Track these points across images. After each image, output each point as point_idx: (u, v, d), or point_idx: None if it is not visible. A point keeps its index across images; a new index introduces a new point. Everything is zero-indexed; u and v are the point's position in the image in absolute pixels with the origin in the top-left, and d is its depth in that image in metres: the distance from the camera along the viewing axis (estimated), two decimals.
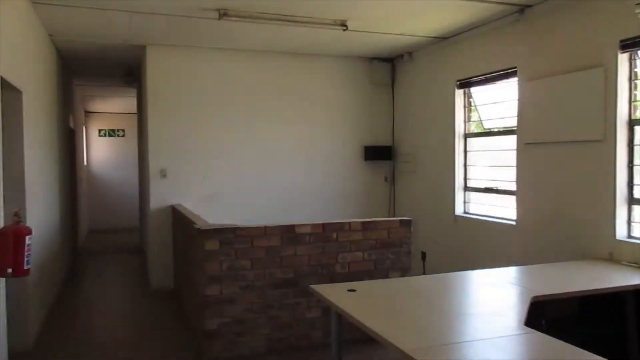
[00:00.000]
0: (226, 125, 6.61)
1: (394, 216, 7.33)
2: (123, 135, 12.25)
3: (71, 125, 8.51)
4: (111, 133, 12.21)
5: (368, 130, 7.28)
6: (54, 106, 6.26)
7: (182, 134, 6.44)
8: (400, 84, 7.24)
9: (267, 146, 6.79)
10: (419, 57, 6.78)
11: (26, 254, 3.27)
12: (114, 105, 11.66)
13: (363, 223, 4.48)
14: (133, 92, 9.27)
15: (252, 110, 6.72)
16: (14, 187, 4.22)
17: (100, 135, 12.14)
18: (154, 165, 6.36)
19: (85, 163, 11.52)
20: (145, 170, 7.06)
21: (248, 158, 6.70)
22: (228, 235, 4.05)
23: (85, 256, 8.87)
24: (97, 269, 7.89)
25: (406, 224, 4.62)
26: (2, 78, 3.59)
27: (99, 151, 12.15)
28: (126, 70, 7.88)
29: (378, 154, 7.21)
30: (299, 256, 4.27)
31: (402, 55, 7.01)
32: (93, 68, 7.87)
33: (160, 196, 6.38)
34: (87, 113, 11.96)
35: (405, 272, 4.59)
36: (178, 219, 5.75)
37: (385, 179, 7.38)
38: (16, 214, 3.34)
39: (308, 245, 4.30)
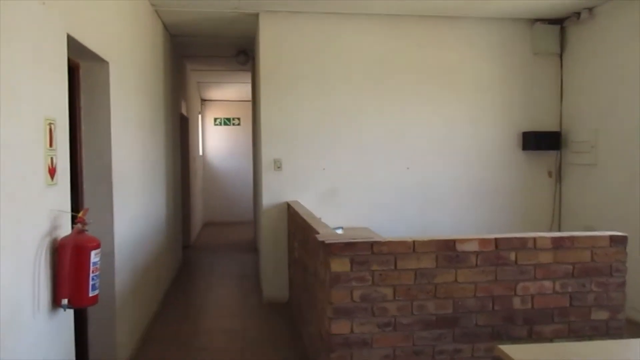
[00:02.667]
0: (350, 108, 5.48)
1: (559, 222, 5.75)
2: (239, 124, 11.71)
3: (183, 112, 7.93)
4: (226, 122, 11.71)
5: (527, 113, 5.75)
6: (159, 88, 5.54)
7: (300, 119, 5.42)
8: (573, 53, 5.60)
9: (398, 133, 5.56)
10: (604, 15, 5.12)
11: (91, 275, 2.36)
12: (229, 93, 11.10)
13: (554, 239, 3.09)
14: (248, 79, 8.50)
15: (381, 90, 5.52)
16: (99, 178, 3.42)
17: (215, 124, 11.69)
18: (267, 156, 5.42)
19: (200, 153, 11.11)
20: (258, 162, 6.18)
21: (375, 147, 5.52)
22: (363, 252, 2.90)
23: (197, 253, 8.30)
24: (208, 268, 7.21)
25: (619, 241, 3.15)
26: (70, 37, 2.73)
27: (215, 140, 11.71)
28: (239, 48, 7.07)
29: (541, 142, 5.66)
30: (460, 284, 3.00)
31: (577, 14, 5.38)
32: (204, 47, 7.15)
33: (274, 191, 5.43)
34: (203, 101, 11.55)
35: (616, 312, 3.14)
36: (294, 219, 4.74)
37: (549, 174, 5.81)
38: (79, 220, 2.45)
39: (474, 268, 3.02)
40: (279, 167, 5.41)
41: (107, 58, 3.40)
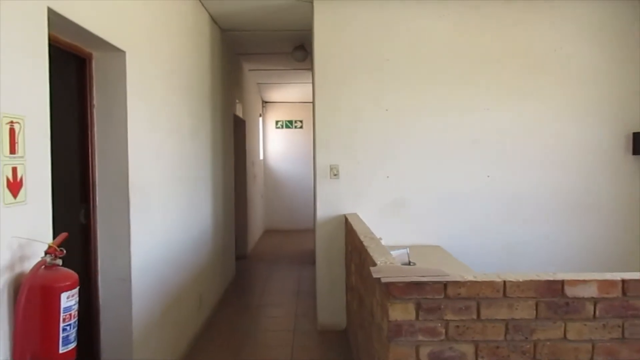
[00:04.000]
0: (419, 106, 4.70)
1: None
2: (301, 127, 11.14)
3: (239, 114, 7.42)
4: (288, 124, 11.17)
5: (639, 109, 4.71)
6: (205, 87, 5.01)
7: (360, 119, 4.70)
8: None
9: (476, 134, 4.70)
10: None
11: (62, 325, 1.77)
12: (291, 94, 10.56)
13: None
14: (310, 79, 7.88)
15: (456, 85, 4.69)
16: (114, 190, 2.87)
17: (277, 127, 11.18)
18: (322, 162, 4.74)
19: (261, 157, 10.64)
20: (313, 168, 5.52)
21: (449, 151, 4.70)
22: (433, 295, 2.14)
23: (253, 264, 7.76)
24: (261, 284, 6.63)
25: None
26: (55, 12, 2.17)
27: (276, 144, 11.20)
28: (296, 43, 6.46)
29: None
30: (572, 343, 2.17)
31: None
32: (258, 42, 6.58)
33: (330, 202, 4.73)
34: (265, 103, 11.09)
35: None
36: (351, 237, 4.02)
37: None
38: (50, 250, 1.86)
39: (591, 321, 2.17)
40: (335, 175, 4.72)
41: (123, 47, 2.85)
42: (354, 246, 3.81)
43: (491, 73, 4.69)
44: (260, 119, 10.71)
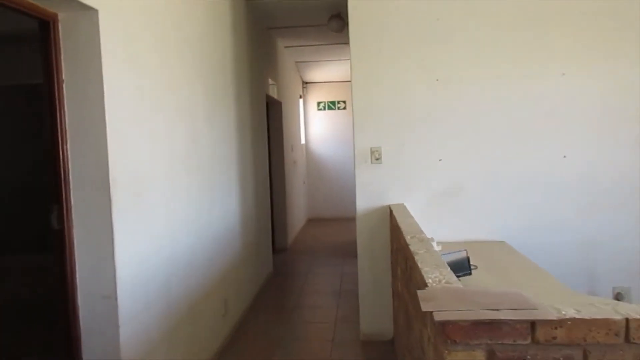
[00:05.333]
0: (477, 74, 3.89)
1: None
2: (344, 108, 10.41)
3: (273, 95, 6.78)
4: (331, 106, 10.46)
5: None
6: (226, 65, 4.38)
7: (406, 94, 3.95)
8: None
9: (550, 107, 3.85)
10: None
11: None
12: (332, 73, 9.83)
13: None
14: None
15: (523, 46, 3.84)
16: (91, 187, 2.29)
17: (319, 109, 10.50)
18: (361, 145, 4.03)
19: (302, 141, 10.00)
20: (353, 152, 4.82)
21: (515, 128, 3.88)
22: (514, 339, 1.43)
23: (292, 258, 7.17)
24: (300, 281, 6.03)
25: None
26: None
27: (318, 127, 10.53)
28: (331, 11, 5.73)
29: None
30: None
31: None
32: (290, 12, 5.89)
33: (372, 190, 4.03)
34: (305, 84, 10.41)
35: None
36: (396, 234, 3.31)
37: None
38: None
39: None
40: (377, 159, 4.00)
41: (93, 3, 2.23)
42: (399, 246, 3.10)
43: (569, 30, 3.82)
44: (301, 100, 10.06)
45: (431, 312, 1.49)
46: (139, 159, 2.60)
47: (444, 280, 1.77)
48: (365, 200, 4.05)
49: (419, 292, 1.62)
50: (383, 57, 3.95)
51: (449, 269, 1.95)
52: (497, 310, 1.45)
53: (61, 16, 2.26)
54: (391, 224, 3.79)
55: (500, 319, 1.42)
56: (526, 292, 1.57)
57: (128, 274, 2.44)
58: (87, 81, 2.27)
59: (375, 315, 4.11)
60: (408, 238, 2.58)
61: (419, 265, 1.99)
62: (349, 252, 7.27)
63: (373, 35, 3.95)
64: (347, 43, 4.08)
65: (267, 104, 6.66)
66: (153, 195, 2.76)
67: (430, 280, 1.78)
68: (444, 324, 1.43)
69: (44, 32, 2.24)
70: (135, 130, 2.57)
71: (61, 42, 2.26)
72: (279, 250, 7.34)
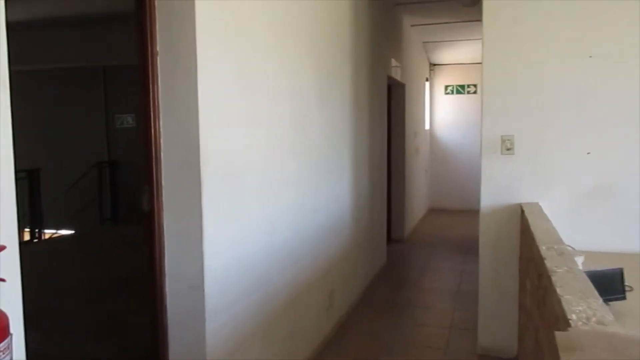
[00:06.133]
0: (635, 53, 3.16)
1: None
2: (474, 92, 9.63)
3: (396, 77, 6.36)
4: (459, 89, 9.74)
5: None
6: (344, 41, 4.08)
7: (546, 71, 3.34)
8: None
9: None
10: None
11: None
12: (463, 54, 9.11)
13: None
14: None
15: None
16: (182, 167, 2.14)
17: (446, 93, 9.83)
18: (490, 132, 3.50)
19: (426, 127, 9.45)
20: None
21: None
22: None
23: (408, 250, 6.76)
24: (415, 276, 5.62)
25: None
26: None
27: (445, 112, 9.87)
28: None
29: None
30: None
31: None
32: None
33: (500, 185, 3.50)
34: (432, 66, 9.79)
35: None
36: (527, 241, 2.78)
37: None
38: None
39: None
40: (508, 149, 3.45)
41: None
42: (530, 255, 2.59)
43: None
44: (427, 83, 9.48)
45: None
46: (235, 140, 2.40)
47: (593, 319, 1.31)
48: (492, 196, 3.52)
49: (557, 335, 1.19)
50: (521, 30, 3.37)
51: (600, 300, 1.46)
52: None
53: None
54: (522, 226, 3.25)
55: None
56: None
57: (218, 263, 2.26)
58: (180, 54, 2.09)
59: (497, 327, 3.59)
60: (543, 249, 2.09)
61: (558, 291, 1.53)
62: (472, 248, 6.65)
63: (511, 5, 3.38)
64: (480, 20, 3.55)
65: (389, 86, 6.27)
66: (250, 179, 2.55)
67: (574, 317, 1.32)
68: None
69: (139, 1, 2.10)
70: (232, 108, 2.37)
71: (156, 11, 2.10)
72: (394, 240, 6.98)
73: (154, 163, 2.14)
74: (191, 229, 2.15)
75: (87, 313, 4.23)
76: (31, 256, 6.60)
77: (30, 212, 7.42)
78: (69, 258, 6.21)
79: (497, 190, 3.50)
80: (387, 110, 6.12)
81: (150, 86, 2.11)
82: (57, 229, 8.51)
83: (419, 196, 8.70)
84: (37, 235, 7.57)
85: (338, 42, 3.96)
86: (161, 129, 2.15)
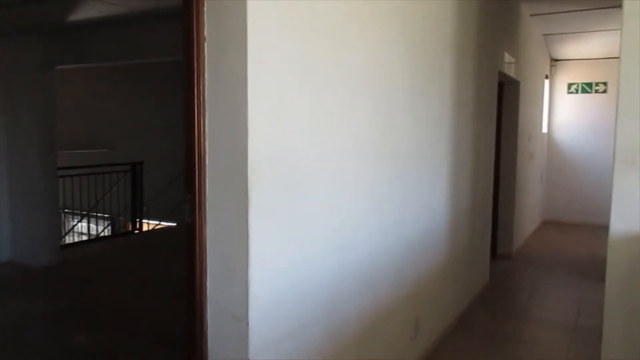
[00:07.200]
0: None
1: None
2: (604, 91, 8.46)
3: (508, 72, 5.64)
4: (585, 88, 8.60)
5: None
6: (445, 28, 3.55)
7: None
8: None
9: None
10: None
11: None
12: (591, 48, 8.00)
13: None
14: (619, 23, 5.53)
15: None
16: (227, 172, 1.81)
17: (569, 92, 8.73)
18: (625, 140, 2.78)
19: (544, 130, 8.46)
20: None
21: None
22: None
23: (517, 268, 5.99)
24: (522, 301, 4.90)
25: None
26: None
27: (567, 114, 8.79)
28: None
29: None
30: None
31: None
32: None
33: (638, 208, 2.77)
34: (554, 61, 8.75)
35: None
36: None
37: None
38: None
39: None
40: None
41: None
42: None
43: None
44: (547, 81, 8.48)
45: None
46: (297, 142, 2.01)
47: None
48: (626, 219, 2.81)
49: None
50: None
51: None
52: None
53: None
54: None
55: None
56: None
57: (268, 289, 1.89)
58: (229, 37, 1.74)
59: None
60: None
61: None
62: (593, 271, 5.74)
63: None
64: (616, 6, 2.84)
65: (501, 83, 5.56)
66: (315, 189, 2.15)
67: None
68: None
69: None
70: (293, 104, 1.98)
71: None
72: (500, 256, 6.23)
73: (196, 168, 1.82)
74: (235, 249, 1.80)
75: (157, 313, 4.12)
76: (129, 247, 6.79)
77: (132, 204, 7.67)
78: (162, 251, 6.26)
79: (633, 212, 2.78)
80: (498, 110, 5.42)
81: (195, 77, 1.79)
82: (160, 220, 8.78)
83: (532, 207, 7.79)
84: (138, 226, 7.81)
85: (438, 31, 3.43)
86: (206, 128, 1.82)
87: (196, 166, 1.82)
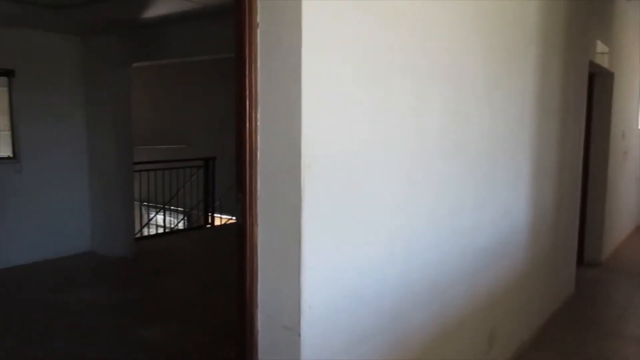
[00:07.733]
0: None
1: None
2: None
3: (601, 63, 5.13)
4: None
5: None
6: (528, 14, 3.23)
7: None
8: None
9: None
10: None
11: None
12: None
13: None
14: None
15: None
16: (278, 171, 1.68)
17: None
18: None
19: (639, 126, 7.71)
20: None
21: None
22: None
23: (606, 276, 5.47)
24: (612, 315, 4.43)
25: None
26: None
27: None
28: None
29: None
30: None
31: None
32: None
33: None
34: None
35: None
36: None
37: None
38: None
39: None
40: None
41: None
42: None
43: None
44: None
45: None
46: (354, 137, 1.83)
47: None
48: None
49: None
50: None
51: None
52: None
53: None
54: None
55: None
56: None
57: (322, 298, 1.74)
58: (282, 27, 1.60)
59: None
60: None
61: None
62: None
63: None
64: None
65: (591, 75, 5.07)
66: (376, 189, 1.96)
67: None
68: None
69: None
70: (354, 97, 1.81)
71: None
72: (588, 264, 5.72)
73: (248, 166, 1.70)
74: (286, 252, 1.66)
75: (224, 308, 4.10)
76: (201, 241, 6.91)
77: (205, 198, 7.81)
78: (233, 245, 6.30)
79: None
80: (588, 104, 4.95)
81: (247, 67, 1.66)
82: (232, 215, 8.91)
83: (626, 209, 7.11)
84: (210, 220, 7.95)
85: (520, 18, 3.12)
86: (258, 123, 1.69)
87: (247, 164, 1.70)
